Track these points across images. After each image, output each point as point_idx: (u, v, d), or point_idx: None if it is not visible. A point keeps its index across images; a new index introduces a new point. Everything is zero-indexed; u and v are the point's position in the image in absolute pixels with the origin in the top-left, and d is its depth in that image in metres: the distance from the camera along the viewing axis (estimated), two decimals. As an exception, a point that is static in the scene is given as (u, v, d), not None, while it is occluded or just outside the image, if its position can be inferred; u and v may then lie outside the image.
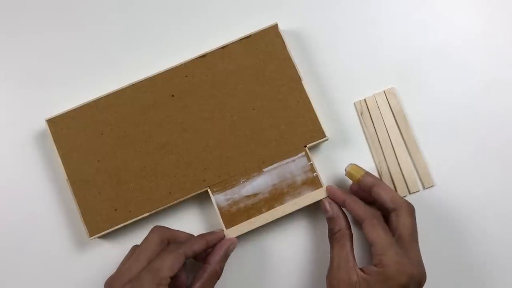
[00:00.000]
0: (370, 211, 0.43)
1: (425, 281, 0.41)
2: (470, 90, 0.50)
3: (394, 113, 0.50)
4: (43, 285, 0.48)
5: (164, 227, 0.44)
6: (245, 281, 0.48)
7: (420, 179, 0.49)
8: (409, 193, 0.49)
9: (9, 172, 0.50)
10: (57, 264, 0.49)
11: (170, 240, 0.43)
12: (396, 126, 0.49)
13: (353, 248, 0.43)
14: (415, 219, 0.43)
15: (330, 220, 0.45)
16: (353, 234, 0.44)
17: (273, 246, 0.48)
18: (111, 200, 0.47)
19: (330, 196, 0.46)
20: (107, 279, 0.41)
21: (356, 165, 0.46)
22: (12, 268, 0.48)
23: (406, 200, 0.43)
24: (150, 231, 0.43)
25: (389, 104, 0.50)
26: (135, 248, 0.43)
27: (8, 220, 0.49)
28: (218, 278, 0.43)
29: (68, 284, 0.48)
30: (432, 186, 0.49)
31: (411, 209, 0.43)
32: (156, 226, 0.43)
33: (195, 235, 0.45)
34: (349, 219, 0.45)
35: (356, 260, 0.42)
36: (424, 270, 0.41)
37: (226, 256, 0.44)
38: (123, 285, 0.38)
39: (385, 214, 0.44)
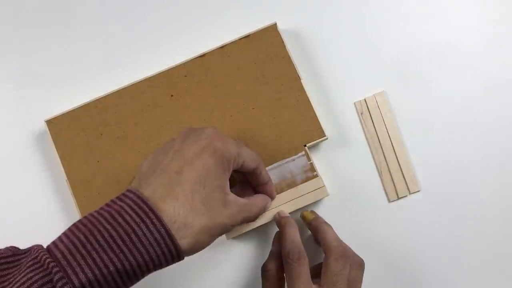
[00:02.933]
0: (297, 250, 0.41)
1: None
2: (470, 91, 0.50)
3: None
4: (43, 286, 0.48)
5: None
6: (245, 281, 0.48)
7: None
8: (410, 193, 0.49)
9: (9, 173, 0.50)
10: (57, 265, 0.48)
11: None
12: (396, 126, 0.49)
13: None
14: (345, 264, 0.40)
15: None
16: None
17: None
18: (111, 200, 0.47)
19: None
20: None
21: (308, 211, 0.46)
22: (12, 269, 0.49)
23: (340, 245, 0.41)
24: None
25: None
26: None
27: (8, 221, 0.49)
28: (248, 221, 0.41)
29: (68, 284, 0.48)
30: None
31: (338, 254, 0.41)
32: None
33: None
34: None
35: None
36: None
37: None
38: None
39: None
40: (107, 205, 0.34)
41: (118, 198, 0.34)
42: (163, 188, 0.33)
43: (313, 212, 0.46)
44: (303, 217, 0.46)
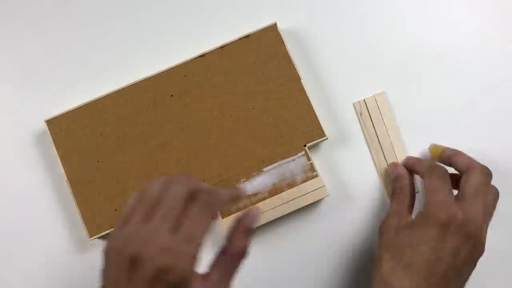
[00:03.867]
0: (434, 166, 0.42)
1: (481, 245, 0.39)
2: (470, 91, 0.50)
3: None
4: (43, 286, 0.48)
5: (191, 178, 0.34)
6: (245, 281, 0.48)
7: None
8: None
9: (9, 173, 0.50)
10: (57, 265, 0.49)
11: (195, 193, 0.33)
12: (396, 127, 0.49)
13: (412, 205, 0.44)
14: (488, 181, 0.41)
15: (394, 180, 0.46)
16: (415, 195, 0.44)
17: (273, 245, 0.48)
18: (111, 200, 0.47)
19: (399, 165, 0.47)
20: (113, 243, 0.32)
21: (435, 145, 0.47)
22: (12, 269, 0.48)
23: (482, 165, 0.42)
24: (173, 183, 0.33)
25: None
26: (144, 198, 0.33)
27: (8, 221, 0.49)
28: (245, 259, 0.35)
29: (68, 284, 0.48)
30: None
31: (482, 170, 0.41)
32: (183, 177, 0.33)
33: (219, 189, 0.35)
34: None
35: None
36: (481, 231, 0.39)
37: (252, 231, 0.35)
38: (155, 255, 0.30)
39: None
40: None
41: None
42: None
43: (438, 146, 0.47)
44: (432, 151, 0.47)
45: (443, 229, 0.38)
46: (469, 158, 0.43)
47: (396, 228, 0.41)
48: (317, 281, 0.48)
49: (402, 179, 0.45)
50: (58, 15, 0.52)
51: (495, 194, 0.42)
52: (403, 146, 0.49)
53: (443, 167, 0.43)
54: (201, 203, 0.32)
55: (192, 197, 0.32)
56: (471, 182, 0.41)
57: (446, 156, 0.45)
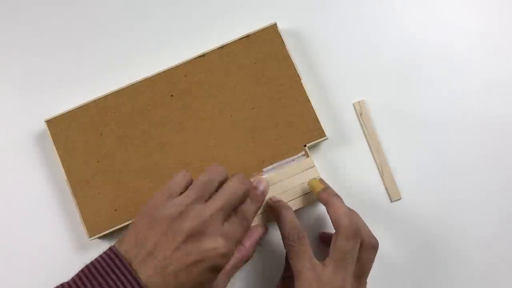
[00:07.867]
0: (296, 231, 0.41)
1: None
2: (470, 91, 0.50)
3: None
4: (43, 286, 0.48)
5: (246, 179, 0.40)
6: (245, 281, 0.48)
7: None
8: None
9: (9, 173, 0.50)
10: (57, 265, 0.48)
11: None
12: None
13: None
14: (355, 244, 0.40)
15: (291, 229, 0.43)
16: None
17: (273, 245, 0.48)
18: (111, 200, 0.47)
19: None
20: (166, 210, 0.35)
21: (317, 180, 0.45)
22: (11, 269, 0.48)
23: (352, 224, 0.40)
24: (236, 180, 0.38)
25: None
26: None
27: (8, 221, 0.49)
28: (248, 260, 0.43)
29: (68, 284, 0.48)
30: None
31: (350, 234, 0.39)
32: (242, 176, 0.39)
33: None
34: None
35: None
36: None
37: (258, 241, 0.44)
38: (214, 237, 0.34)
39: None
40: (99, 273, 0.33)
41: (109, 267, 0.33)
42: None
43: (321, 181, 0.45)
44: (311, 187, 0.45)
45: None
46: (339, 211, 0.41)
47: (318, 280, 0.39)
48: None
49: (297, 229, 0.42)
50: (58, 15, 0.53)
51: (369, 252, 0.41)
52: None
53: (300, 232, 0.41)
54: (247, 208, 0.39)
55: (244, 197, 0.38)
56: (338, 247, 0.40)
57: (320, 199, 0.43)
